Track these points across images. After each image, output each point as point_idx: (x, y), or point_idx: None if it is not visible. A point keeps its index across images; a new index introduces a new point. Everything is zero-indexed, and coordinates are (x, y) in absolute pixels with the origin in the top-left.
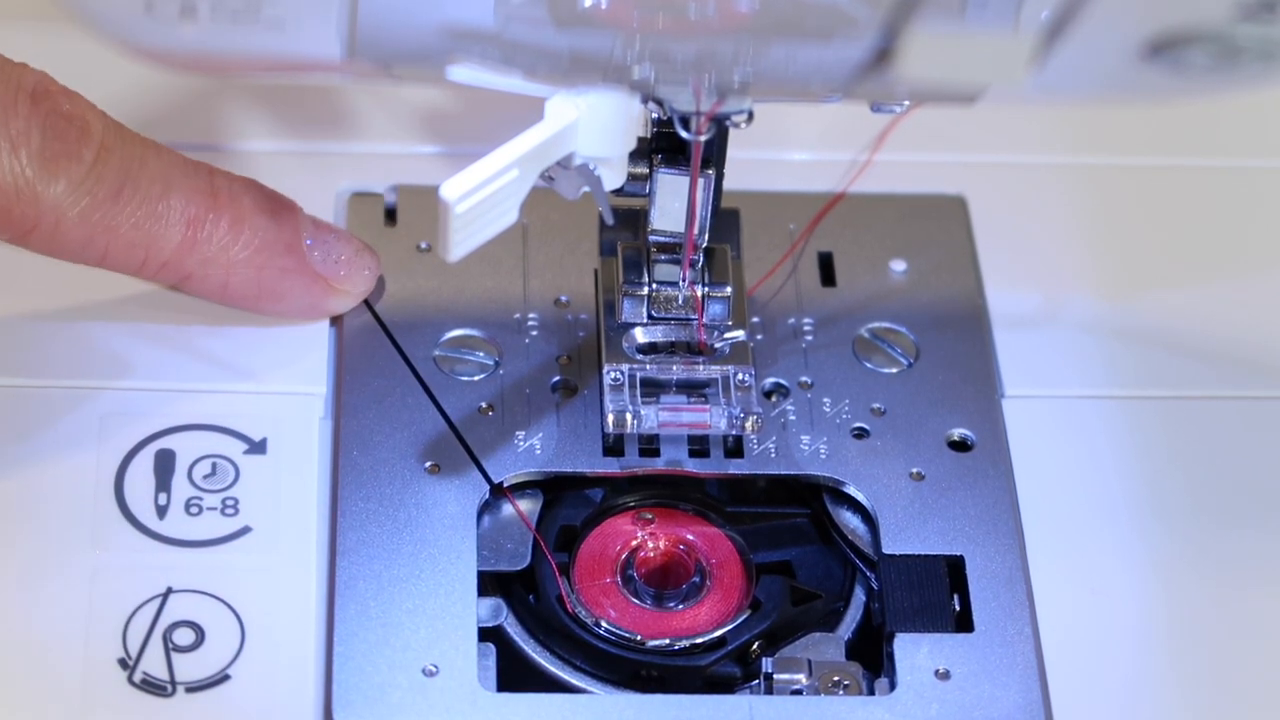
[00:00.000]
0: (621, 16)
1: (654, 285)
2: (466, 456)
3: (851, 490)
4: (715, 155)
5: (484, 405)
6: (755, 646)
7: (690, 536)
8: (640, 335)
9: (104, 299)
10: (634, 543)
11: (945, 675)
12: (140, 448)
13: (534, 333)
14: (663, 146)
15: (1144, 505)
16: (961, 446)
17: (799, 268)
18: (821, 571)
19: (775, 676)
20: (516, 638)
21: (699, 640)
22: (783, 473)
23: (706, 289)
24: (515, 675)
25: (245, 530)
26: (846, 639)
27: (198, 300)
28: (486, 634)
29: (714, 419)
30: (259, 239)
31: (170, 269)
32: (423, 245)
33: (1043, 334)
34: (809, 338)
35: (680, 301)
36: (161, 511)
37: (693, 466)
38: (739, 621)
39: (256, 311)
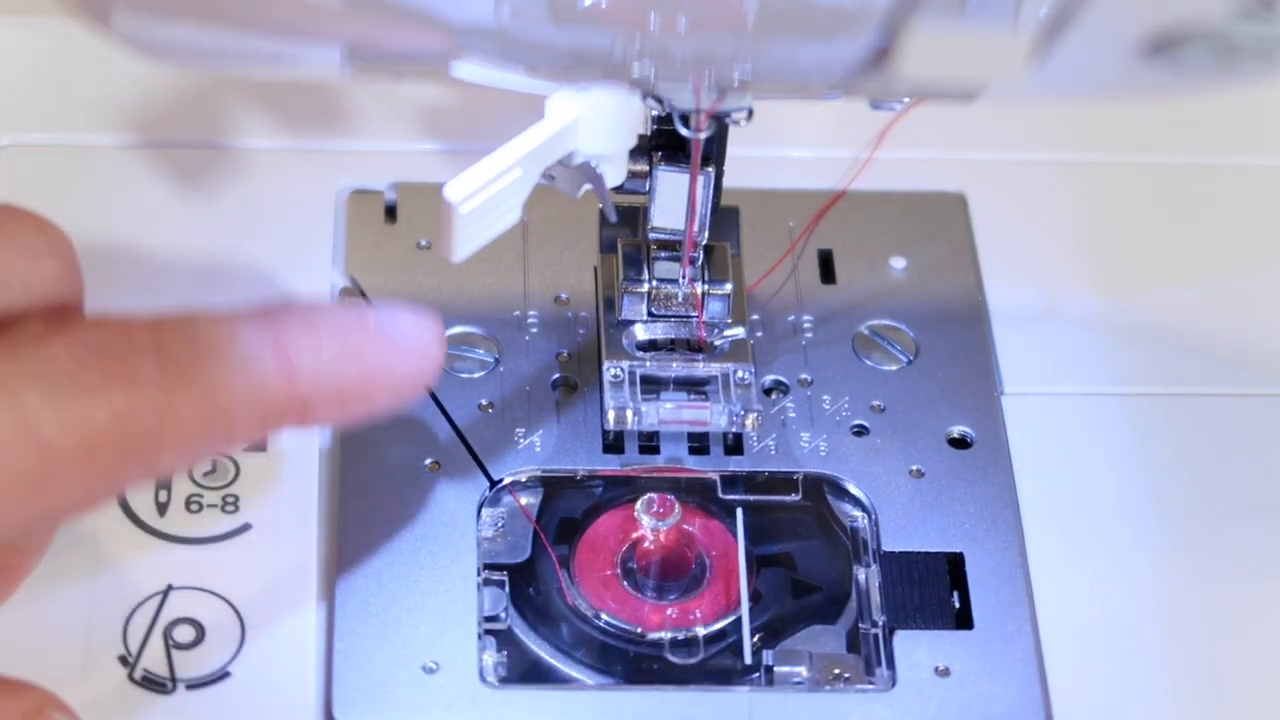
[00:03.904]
0: (621, 14)
1: (654, 282)
2: (466, 454)
3: (851, 487)
4: (715, 152)
5: (484, 402)
6: (756, 639)
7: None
8: (640, 332)
9: (104, 299)
10: (635, 535)
11: (945, 672)
12: None
13: (534, 330)
14: (663, 144)
15: (1144, 502)
16: (961, 443)
17: (799, 265)
18: (822, 563)
19: (776, 669)
20: (517, 630)
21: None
22: (782, 470)
23: (706, 286)
24: (515, 668)
25: (245, 527)
26: (847, 631)
27: (198, 298)
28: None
29: (714, 416)
30: (336, 326)
31: (288, 407)
32: (423, 243)
33: (1042, 331)
34: (809, 335)
35: (680, 299)
36: (162, 509)
37: (693, 464)
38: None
39: (377, 411)
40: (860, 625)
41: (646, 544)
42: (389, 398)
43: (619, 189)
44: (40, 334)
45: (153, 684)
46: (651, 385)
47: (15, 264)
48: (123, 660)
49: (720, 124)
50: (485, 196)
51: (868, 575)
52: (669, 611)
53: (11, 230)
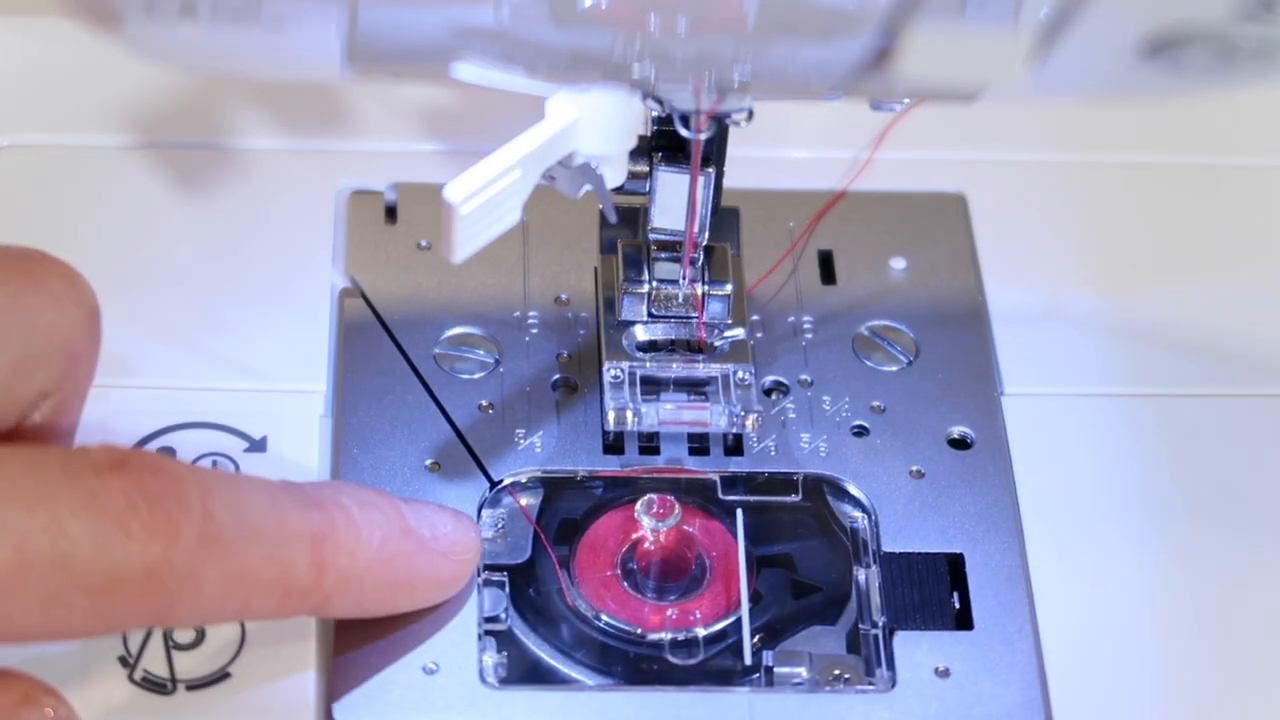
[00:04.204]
0: (621, 15)
1: (654, 283)
2: (467, 454)
3: (851, 488)
4: (715, 153)
5: (484, 403)
6: (756, 640)
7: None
8: (640, 333)
9: (104, 298)
10: (635, 535)
11: (945, 673)
12: (141, 446)
13: (534, 330)
14: (663, 144)
15: (1144, 502)
16: (961, 444)
17: (799, 266)
18: (822, 564)
19: (776, 669)
20: (517, 630)
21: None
22: (782, 470)
23: (707, 287)
24: (515, 669)
25: None
26: (847, 632)
27: (198, 298)
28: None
29: (714, 417)
30: (378, 534)
31: (309, 596)
32: (423, 243)
33: (1042, 331)
34: (809, 335)
35: (680, 299)
36: None
37: (693, 464)
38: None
39: (394, 611)
40: (860, 626)
41: (647, 545)
42: (410, 600)
43: (619, 190)
44: (100, 465)
45: (153, 685)
46: (651, 386)
47: (43, 310)
48: (123, 661)
49: (720, 125)
50: (485, 197)
51: (868, 576)
52: (669, 612)
53: (41, 276)
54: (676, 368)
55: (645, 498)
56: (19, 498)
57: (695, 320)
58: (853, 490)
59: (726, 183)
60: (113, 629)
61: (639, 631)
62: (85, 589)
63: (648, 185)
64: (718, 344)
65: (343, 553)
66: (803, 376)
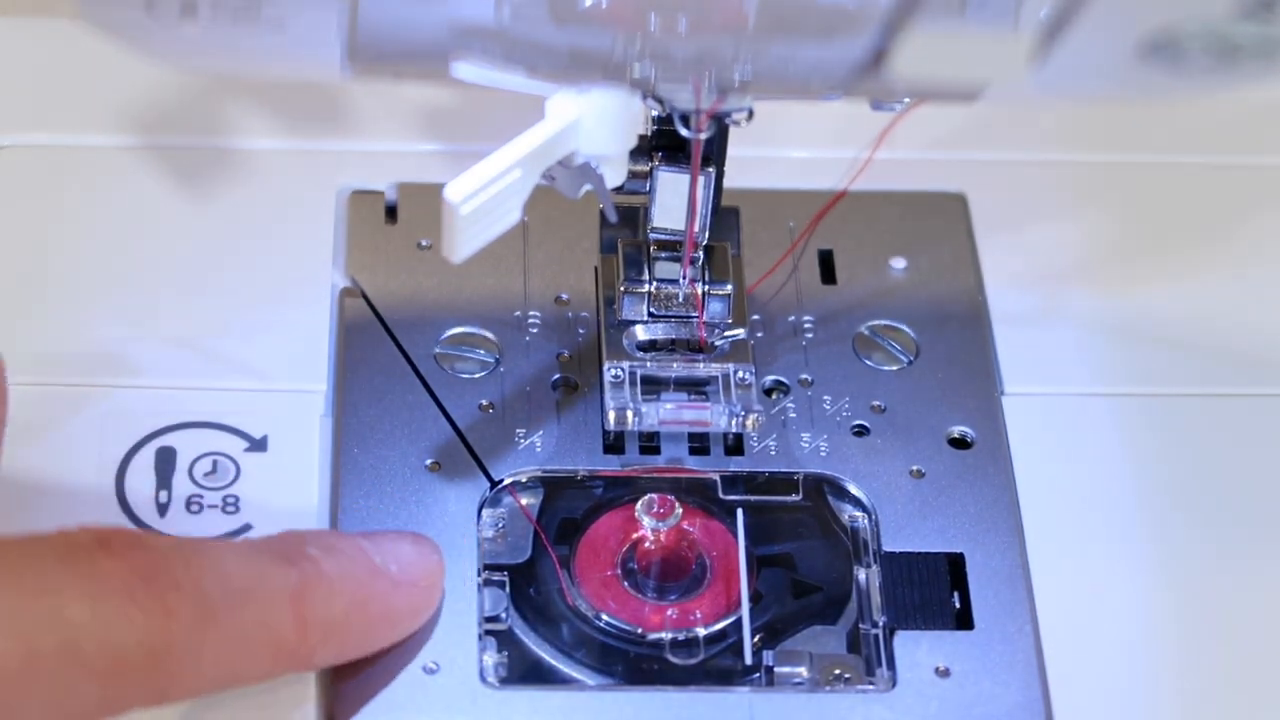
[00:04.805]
0: (622, 15)
1: (654, 283)
2: (467, 454)
3: (851, 487)
4: (715, 153)
5: (484, 403)
6: (756, 639)
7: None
8: (641, 333)
9: (104, 298)
10: (635, 535)
11: (945, 673)
12: (141, 445)
13: (534, 330)
14: (663, 144)
15: (1144, 502)
16: (961, 444)
17: (799, 265)
18: (822, 563)
19: (776, 669)
20: (517, 630)
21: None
22: (783, 470)
23: (707, 286)
24: (515, 669)
25: (246, 528)
26: (847, 631)
27: (197, 298)
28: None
29: (714, 416)
30: (349, 580)
31: (296, 655)
32: (423, 243)
33: (1043, 331)
34: (809, 335)
35: (681, 299)
36: (162, 509)
37: (693, 464)
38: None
39: (375, 649)
40: (860, 626)
41: (647, 544)
42: (388, 637)
43: (619, 189)
44: (90, 547)
45: None
46: (652, 385)
47: None
48: None
49: (720, 124)
50: (485, 197)
51: (868, 575)
52: (669, 612)
53: None
54: (677, 367)
55: (645, 497)
56: (22, 589)
57: (695, 320)
58: (853, 490)
59: (726, 183)
60: (118, 713)
61: (639, 631)
62: (94, 675)
63: (648, 185)
64: (718, 344)
65: (320, 604)
66: (803, 376)
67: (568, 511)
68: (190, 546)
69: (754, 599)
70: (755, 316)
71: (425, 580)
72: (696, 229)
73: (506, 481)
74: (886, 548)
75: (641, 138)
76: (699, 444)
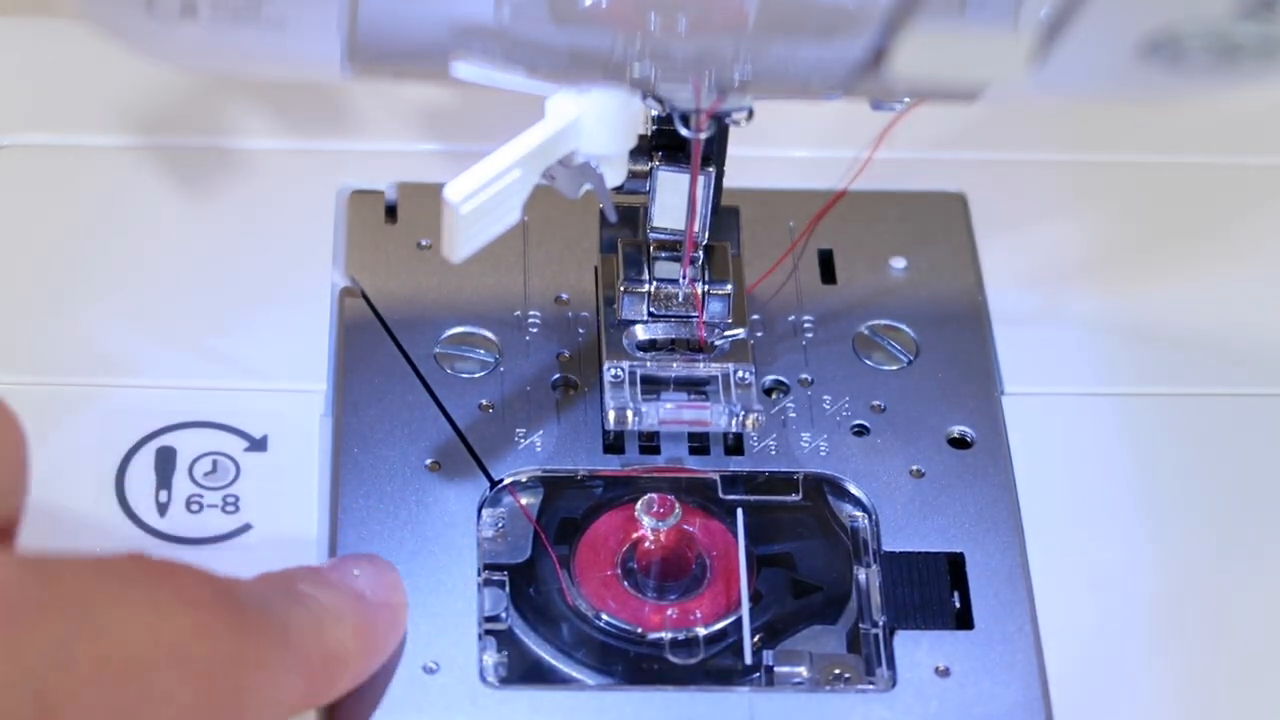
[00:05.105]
0: (622, 14)
1: (654, 282)
2: (467, 454)
3: (851, 487)
4: (715, 152)
5: (484, 403)
6: (756, 639)
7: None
8: (640, 332)
9: (104, 298)
10: (635, 535)
11: (945, 672)
12: (141, 445)
13: (534, 330)
14: (663, 144)
15: (1143, 502)
16: (961, 443)
17: (799, 265)
18: (822, 563)
19: (776, 669)
20: (517, 630)
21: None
22: (783, 470)
23: (707, 286)
24: (515, 669)
25: (246, 528)
26: (847, 631)
27: (198, 298)
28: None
29: (714, 416)
30: (345, 611)
31: (319, 689)
32: (423, 242)
33: (1043, 331)
34: (809, 335)
35: (680, 299)
36: (162, 509)
37: (693, 464)
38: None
39: (370, 672)
40: (860, 625)
41: (647, 544)
42: (381, 659)
43: (619, 189)
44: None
45: None
46: (652, 385)
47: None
48: None
49: (720, 124)
50: (485, 197)
51: (868, 575)
52: (669, 612)
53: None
54: (677, 367)
55: (645, 497)
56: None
57: (695, 319)
58: (853, 490)
59: (726, 182)
60: None
61: (639, 631)
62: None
63: (648, 185)
64: (718, 343)
65: (330, 637)
66: (803, 376)
67: (568, 511)
68: (229, 598)
69: (754, 599)
70: (755, 316)
71: (397, 598)
72: (696, 229)
73: (506, 481)
74: (886, 547)
75: (641, 137)
76: (699, 444)
